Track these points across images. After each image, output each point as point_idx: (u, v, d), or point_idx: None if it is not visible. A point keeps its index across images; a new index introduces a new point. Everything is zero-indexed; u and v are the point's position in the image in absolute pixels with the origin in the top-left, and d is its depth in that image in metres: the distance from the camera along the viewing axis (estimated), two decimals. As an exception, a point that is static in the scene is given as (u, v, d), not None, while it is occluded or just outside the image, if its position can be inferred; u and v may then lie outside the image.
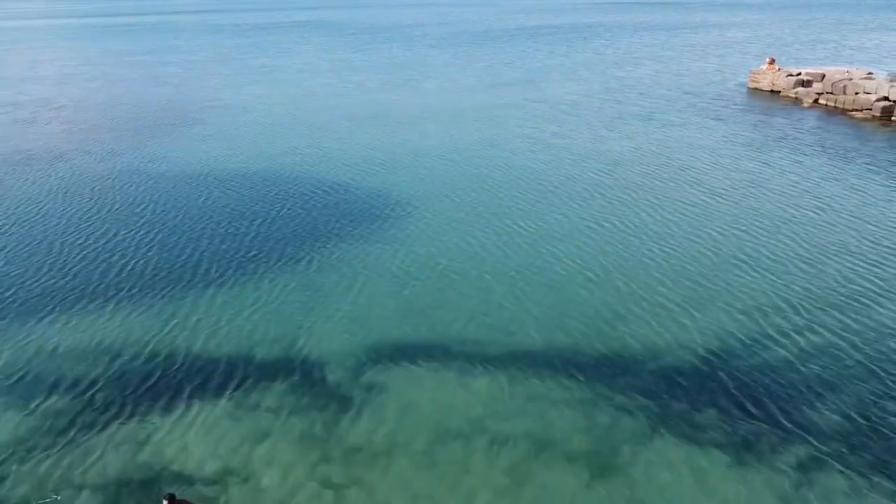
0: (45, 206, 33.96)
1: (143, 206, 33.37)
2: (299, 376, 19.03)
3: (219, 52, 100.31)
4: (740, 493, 14.47)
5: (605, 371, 18.98)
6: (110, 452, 16.16)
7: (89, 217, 32.09)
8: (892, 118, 46.62)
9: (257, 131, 49.48)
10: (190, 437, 16.58)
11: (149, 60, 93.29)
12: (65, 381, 19.05)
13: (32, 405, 18.07)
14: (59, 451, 16.31)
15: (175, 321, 22.03)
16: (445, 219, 30.72)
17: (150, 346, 20.60)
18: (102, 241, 28.98)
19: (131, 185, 36.96)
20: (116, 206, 33.49)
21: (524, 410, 17.34)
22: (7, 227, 31.07)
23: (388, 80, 71.24)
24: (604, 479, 14.92)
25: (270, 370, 19.32)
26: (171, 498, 13.71)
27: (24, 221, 31.75)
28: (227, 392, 18.31)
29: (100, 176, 38.93)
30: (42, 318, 22.45)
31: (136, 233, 29.87)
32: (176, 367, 19.55)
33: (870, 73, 54.78)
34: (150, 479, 15.29)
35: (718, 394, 17.85)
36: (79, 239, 29.35)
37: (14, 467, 15.84)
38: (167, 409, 17.65)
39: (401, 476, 15.14)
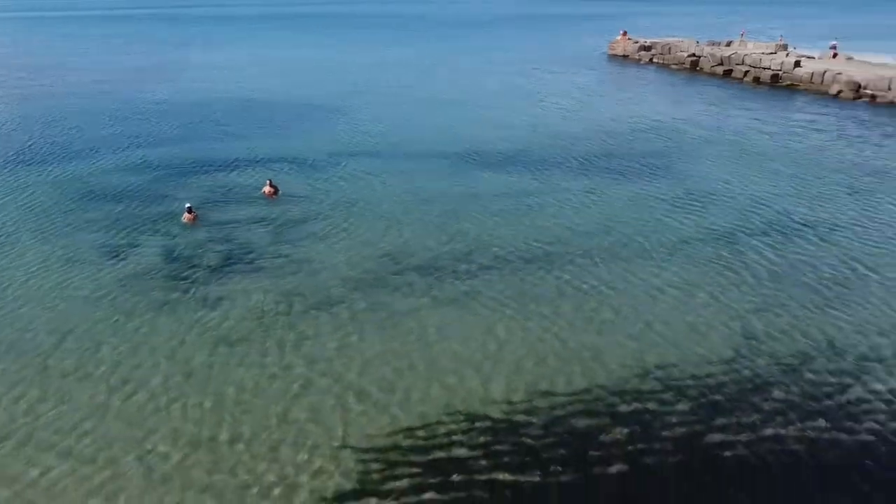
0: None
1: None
2: (329, 165, 35.69)
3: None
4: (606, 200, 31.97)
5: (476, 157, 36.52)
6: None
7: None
8: (697, 68, 66.11)
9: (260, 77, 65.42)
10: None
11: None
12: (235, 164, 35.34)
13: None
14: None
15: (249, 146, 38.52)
16: (388, 110, 48.09)
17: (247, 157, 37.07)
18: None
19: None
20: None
21: (450, 180, 34.57)
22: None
23: (349, 49, 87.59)
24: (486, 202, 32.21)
25: (311, 169, 36.02)
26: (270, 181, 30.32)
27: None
28: (289, 161, 34.90)
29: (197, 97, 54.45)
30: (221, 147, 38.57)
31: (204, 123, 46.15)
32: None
33: (697, 42, 74.32)
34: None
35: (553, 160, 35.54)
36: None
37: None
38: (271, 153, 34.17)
39: (379, 197, 31.94)
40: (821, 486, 13.09)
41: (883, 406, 15.42)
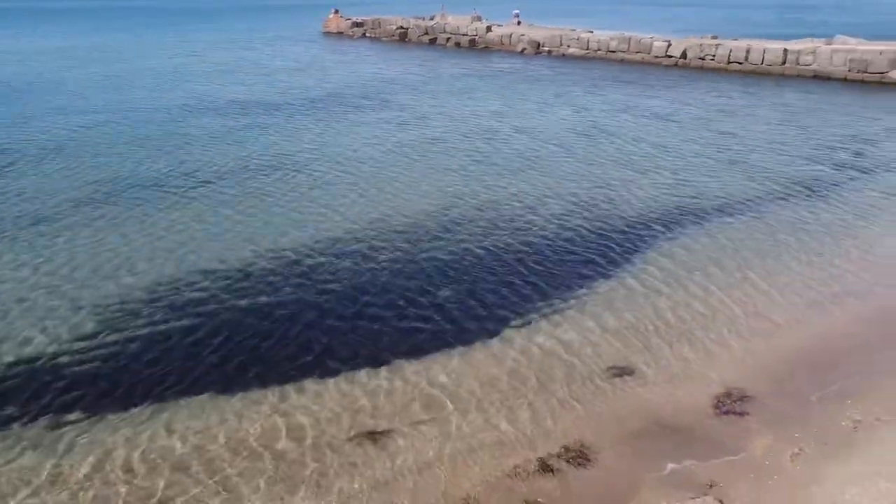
0: None
1: None
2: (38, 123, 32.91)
3: None
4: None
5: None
6: None
7: None
8: (406, 39, 71.36)
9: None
10: None
11: None
12: None
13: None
14: None
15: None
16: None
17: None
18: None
19: None
20: None
21: (179, 123, 33.85)
22: None
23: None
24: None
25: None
26: None
27: None
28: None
29: None
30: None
31: None
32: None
33: (404, 17, 79.45)
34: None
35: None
36: None
37: None
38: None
39: (98, 142, 30.55)
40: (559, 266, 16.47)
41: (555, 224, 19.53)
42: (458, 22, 72.11)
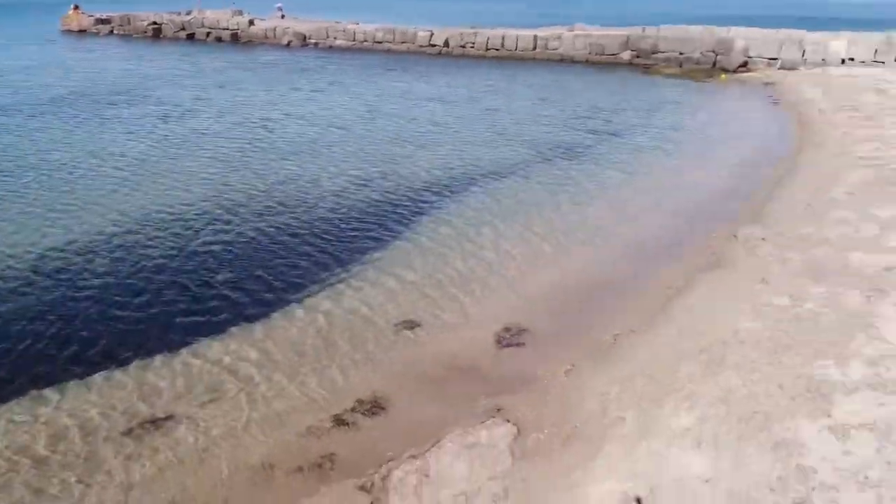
0: None
1: None
2: None
3: None
4: None
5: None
6: None
7: None
8: (160, 35, 66.85)
9: None
10: None
11: None
12: None
13: None
14: None
15: None
16: None
17: None
18: None
19: None
20: None
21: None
22: None
23: None
24: None
25: None
26: None
27: None
28: None
29: None
30: None
31: None
32: None
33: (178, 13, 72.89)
34: None
35: None
36: None
37: None
38: None
39: None
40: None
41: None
42: (218, 16, 69.17)
